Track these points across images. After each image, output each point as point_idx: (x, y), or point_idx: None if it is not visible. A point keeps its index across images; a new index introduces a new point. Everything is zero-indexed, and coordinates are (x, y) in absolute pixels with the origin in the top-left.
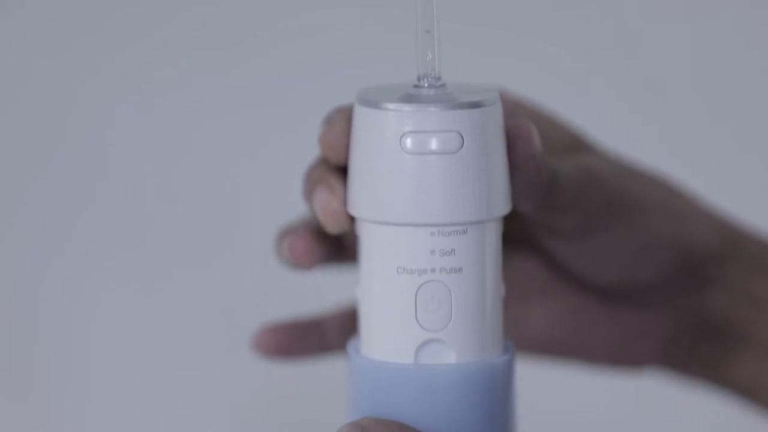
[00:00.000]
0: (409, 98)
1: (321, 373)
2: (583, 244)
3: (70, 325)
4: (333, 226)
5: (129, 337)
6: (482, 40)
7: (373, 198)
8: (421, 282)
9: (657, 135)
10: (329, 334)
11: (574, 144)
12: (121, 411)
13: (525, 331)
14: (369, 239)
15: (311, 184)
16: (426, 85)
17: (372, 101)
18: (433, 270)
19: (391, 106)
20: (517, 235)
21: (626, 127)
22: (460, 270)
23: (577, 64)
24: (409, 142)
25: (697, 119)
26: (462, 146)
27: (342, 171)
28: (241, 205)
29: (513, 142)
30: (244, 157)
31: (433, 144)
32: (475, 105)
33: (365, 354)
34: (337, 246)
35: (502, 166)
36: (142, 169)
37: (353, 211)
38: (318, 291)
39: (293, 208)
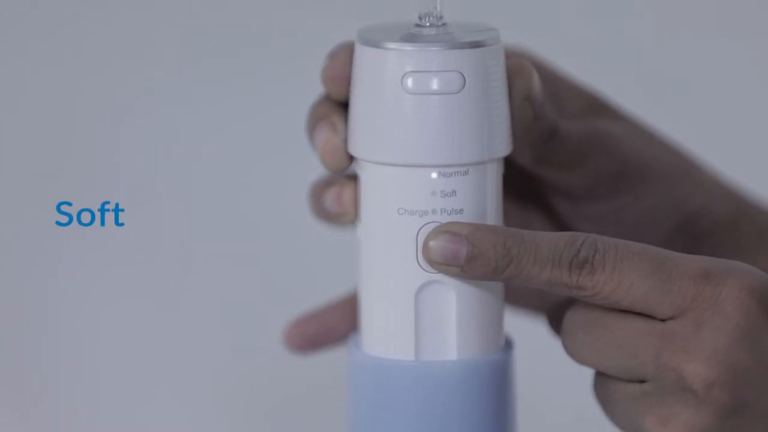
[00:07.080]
0: (410, 38)
1: (321, 372)
2: (589, 208)
3: (70, 325)
4: (332, 165)
5: (128, 338)
6: None
7: (375, 138)
8: (422, 223)
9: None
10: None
11: (594, 109)
12: (120, 411)
13: (537, 298)
14: (369, 180)
15: (314, 120)
16: (427, 24)
17: (373, 41)
18: (434, 211)
19: (392, 45)
20: (531, 195)
21: None
22: (461, 211)
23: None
24: (410, 82)
25: (696, 119)
26: (464, 86)
27: (345, 108)
28: (245, 209)
29: (512, 80)
30: (250, 161)
31: (435, 84)
32: (477, 44)
33: (366, 350)
34: None
35: (504, 107)
36: (141, 171)
37: (354, 151)
38: (321, 290)
39: (295, 209)
